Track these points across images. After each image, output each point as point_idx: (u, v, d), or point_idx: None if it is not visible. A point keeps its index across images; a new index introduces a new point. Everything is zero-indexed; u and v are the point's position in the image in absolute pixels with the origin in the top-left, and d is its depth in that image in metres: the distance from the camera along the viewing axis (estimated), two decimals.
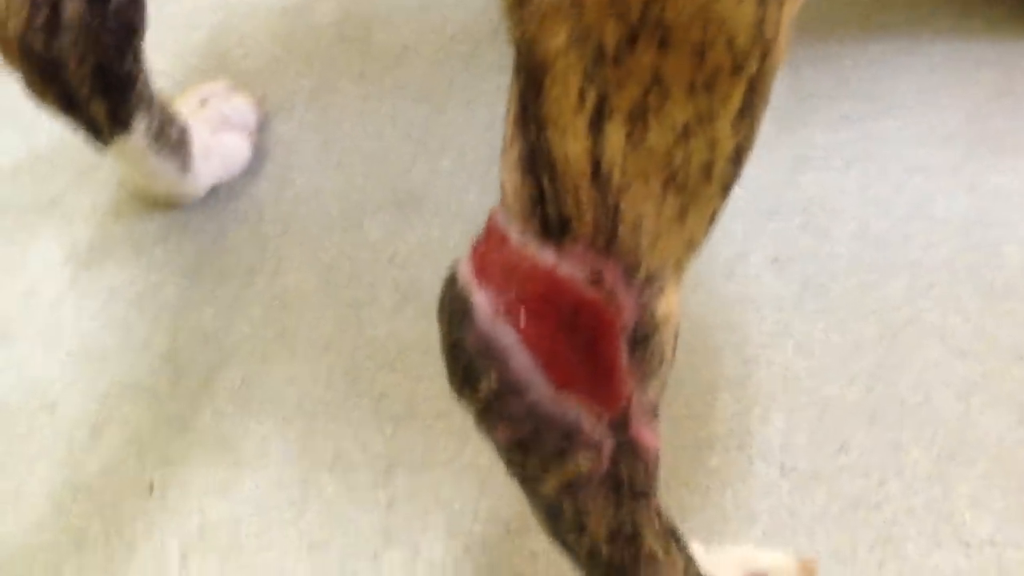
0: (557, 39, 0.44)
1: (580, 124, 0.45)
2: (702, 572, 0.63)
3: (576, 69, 0.44)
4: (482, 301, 0.50)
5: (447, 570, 0.73)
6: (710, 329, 0.82)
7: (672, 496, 0.75)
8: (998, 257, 0.84)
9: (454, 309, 0.51)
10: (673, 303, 0.52)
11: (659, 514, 0.59)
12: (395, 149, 0.95)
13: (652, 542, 0.59)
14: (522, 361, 0.50)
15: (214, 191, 0.93)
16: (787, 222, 0.88)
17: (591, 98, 0.45)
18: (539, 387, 0.51)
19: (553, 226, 0.48)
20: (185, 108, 0.93)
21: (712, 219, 0.51)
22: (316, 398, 0.81)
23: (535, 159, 0.47)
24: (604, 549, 0.58)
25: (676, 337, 0.54)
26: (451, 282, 0.51)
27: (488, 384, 0.51)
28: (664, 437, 0.77)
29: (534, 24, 0.44)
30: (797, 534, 0.73)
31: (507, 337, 0.50)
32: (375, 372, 0.82)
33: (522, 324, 0.49)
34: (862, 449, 0.76)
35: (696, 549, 0.67)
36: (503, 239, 0.50)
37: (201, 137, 0.91)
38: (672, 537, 0.60)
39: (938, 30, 0.98)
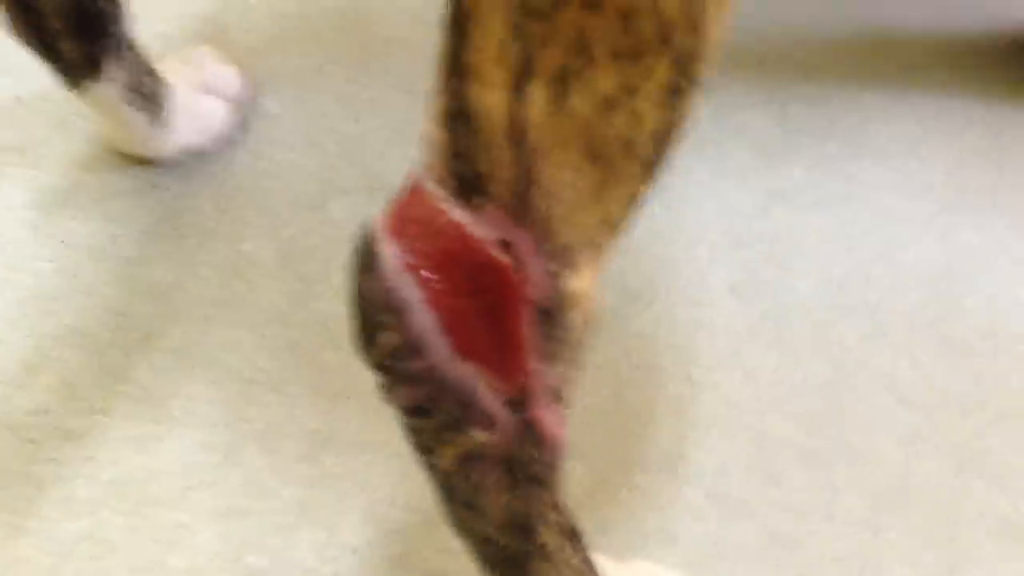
0: None
1: (501, 78, 0.44)
2: None
3: (503, 20, 0.43)
4: (389, 253, 0.49)
5: (359, 553, 0.72)
6: (658, 348, 0.81)
7: (594, 508, 0.73)
8: (959, 311, 0.83)
9: (361, 258, 0.50)
10: (587, 284, 0.51)
11: (559, 510, 0.58)
12: (372, 135, 0.95)
13: (547, 537, 0.57)
14: (423, 318, 0.49)
15: (187, 155, 0.92)
16: (752, 252, 0.87)
17: (515, 52, 0.44)
18: (438, 348, 0.49)
19: (467, 183, 0.47)
20: (169, 67, 0.93)
21: (633, 201, 0.49)
22: (255, 366, 0.80)
23: (456, 112, 0.46)
24: (496, 536, 0.56)
25: (589, 323, 0.53)
26: (363, 232, 0.50)
27: (387, 339, 0.49)
28: (594, 449, 0.76)
29: None
30: (716, 562, 0.71)
31: (410, 291, 0.48)
32: (319, 348, 0.81)
33: (426, 278, 0.48)
34: (795, 486, 0.74)
35: (602, 561, 0.66)
36: (419, 193, 0.49)
37: (180, 97, 0.90)
38: (570, 538, 0.59)
39: (929, 85, 0.98)
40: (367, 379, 0.79)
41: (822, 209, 0.90)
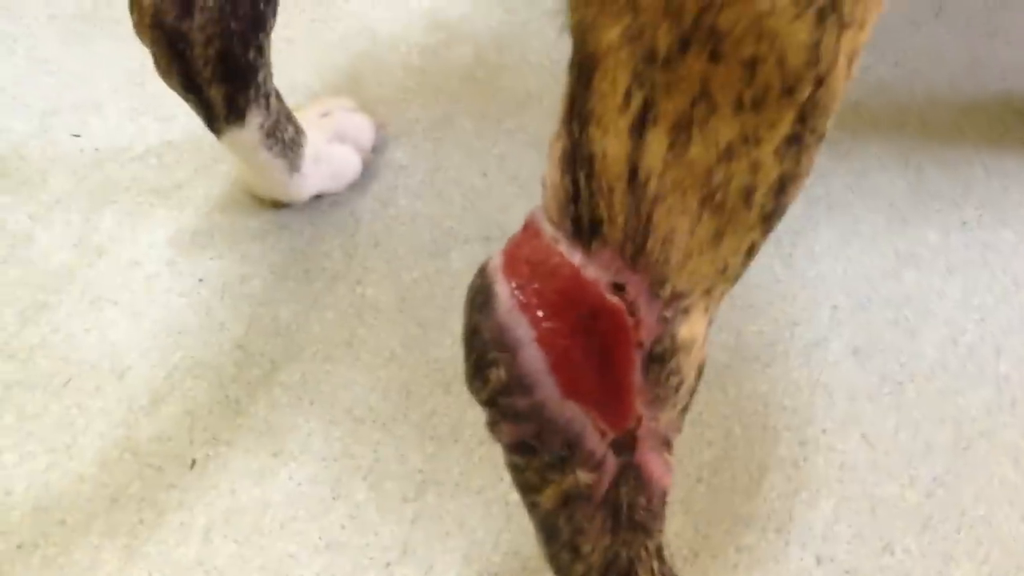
0: (611, 32, 0.44)
1: (623, 125, 0.45)
2: None
3: (626, 67, 0.44)
4: (504, 291, 0.49)
5: None
6: (773, 408, 0.79)
7: (697, 565, 0.72)
8: None
9: (477, 296, 0.51)
10: (698, 331, 0.51)
11: (661, 558, 0.57)
12: (497, 188, 0.96)
13: None
14: (533, 357, 0.49)
15: (318, 199, 0.96)
16: (877, 315, 0.84)
17: (637, 100, 0.44)
18: (546, 387, 0.50)
19: (584, 227, 0.48)
20: (307, 116, 0.96)
21: (749, 252, 0.49)
22: (368, 406, 0.82)
23: (575, 156, 0.47)
24: None
25: (700, 371, 0.53)
26: (481, 271, 0.51)
27: (497, 375, 0.50)
28: (701, 505, 0.75)
29: (592, 11, 0.44)
30: None
31: (522, 330, 0.49)
32: (430, 391, 0.82)
33: (538, 317, 0.49)
34: (909, 553, 0.71)
35: None
36: (536, 234, 0.50)
37: (315, 144, 0.94)
38: None
39: None
40: (474, 423, 0.80)
41: (955, 275, 0.87)
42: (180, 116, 1.03)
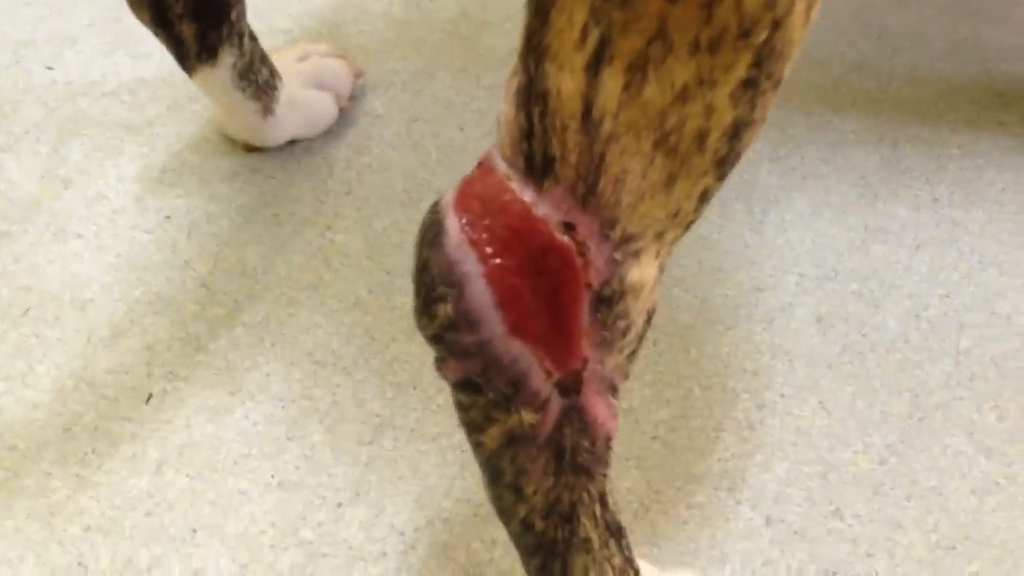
0: None
1: (578, 62, 0.44)
2: None
3: (584, 3, 0.43)
4: (454, 226, 0.49)
5: (406, 537, 0.72)
6: (733, 370, 0.79)
7: (647, 518, 0.72)
8: None
9: (428, 231, 0.50)
10: (648, 276, 0.50)
11: (604, 504, 0.57)
12: (474, 143, 0.96)
13: (589, 529, 0.56)
14: (480, 293, 0.49)
15: (292, 144, 0.95)
16: (843, 286, 0.85)
17: (594, 37, 0.44)
18: (492, 324, 0.49)
19: (537, 164, 0.47)
20: (285, 59, 0.96)
21: (702, 197, 0.49)
22: (329, 349, 0.81)
23: (530, 92, 0.47)
24: (538, 522, 0.56)
25: (649, 317, 0.52)
26: (434, 206, 0.51)
27: (444, 311, 0.50)
28: (655, 460, 0.75)
29: None
30: None
31: (470, 265, 0.49)
32: (392, 338, 0.82)
33: (487, 253, 0.49)
34: (858, 518, 0.72)
35: (646, 567, 0.64)
36: (489, 171, 0.49)
37: (291, 88, 0.93)
38: (614, 534, 0.58)
39: None
40: (433, 372, 0.79)
41: (922, 251, 0.87)
42: (155, 53, 1.02)
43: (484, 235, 0.49)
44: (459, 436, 0.76)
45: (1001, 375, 0.79)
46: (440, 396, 0.79)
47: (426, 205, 0.92)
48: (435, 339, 0.51)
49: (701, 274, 0.85)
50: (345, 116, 0.97)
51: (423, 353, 0.81)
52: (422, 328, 0.52)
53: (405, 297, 0.84)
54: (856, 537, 0.71)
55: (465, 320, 0.49)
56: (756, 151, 0.94)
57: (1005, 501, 0.72)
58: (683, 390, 0.79)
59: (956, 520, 0.71)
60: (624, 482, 0.74)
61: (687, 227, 0.50)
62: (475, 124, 0.98)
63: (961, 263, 0.86)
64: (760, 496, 0.73)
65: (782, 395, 0.78)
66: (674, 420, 0.77)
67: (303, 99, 0.94)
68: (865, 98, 0.99)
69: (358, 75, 1.00)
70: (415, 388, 0.79)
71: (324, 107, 0.96)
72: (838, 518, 0.72)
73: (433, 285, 0.50)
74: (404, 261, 0.87)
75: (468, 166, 0.93)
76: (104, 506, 0.74)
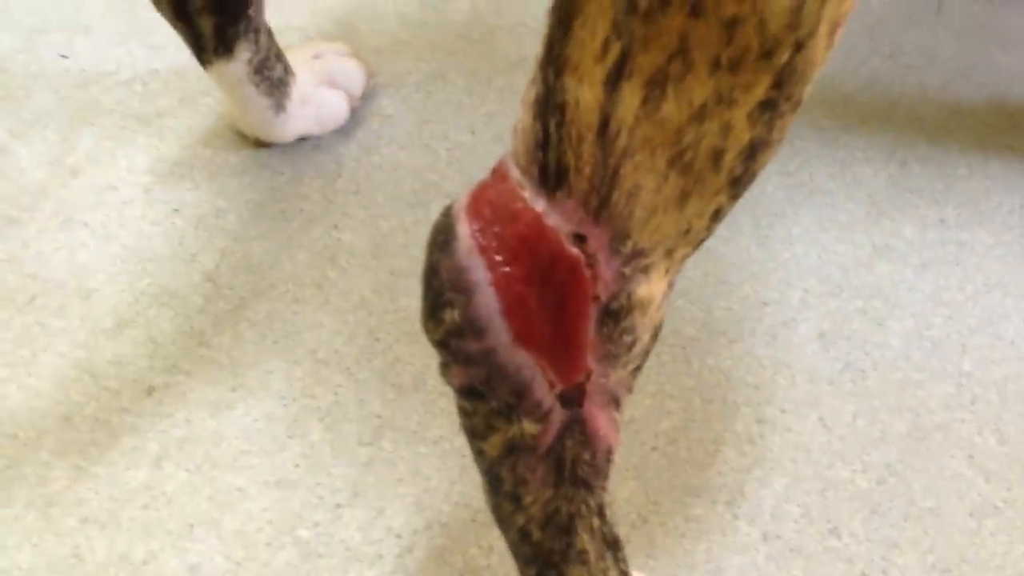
0: None
1: (598, 74, 0.44)
2: None
3: (607, 16, 0.43)
4: (465, 232, 0.49)
5: (403, 540, 0.72)
6: (735, 384, 0.79)
7: (644, 530, 0.72)
8: None
9: (439, 235, 0.50)
10: (657, 292, 0.50)
11: (602, 517, 0.57)
12: (483, 146, 0.96)
13: (586, 542, 0.56)
14: (488, 300, 0.49)
15: (302, 141, 0.95)
16: (847, 303, 0.85)
17: (615, 51, 0.44)
18: (498, 332, 0.49)
19: (550, 175, 0.47)
20: (299, 57, 0.96)
21: (715, 216, 0.49)
22: (332, 348, 0.81)
23: (548, 102, 0.47)
24: (535, 532, 0.56)
25: (655, 333, 0.52)
26: (446, 211, 0.51)
27: (451, 317, 0.50)
28: (654, 472, 0.75)
29: None
30: None
31: (479, 272, 0.49)
32: (396, 339, 0.82)
33: (496, 261, 0.49)
34: (855, 537, 0.72)
35: None
36: (503, 178, 0.49)
37: (304, 86, 0.93)
38: (611, 547, 0.58)
39: None
40: (435, 375, 0.80)
41: (928, 271, 0.87)
42: (168, 45, 1.02)
43: (494, 243, 0.49)
44: (460, 440, 0.77)
45: (1002, 398, 0.79)
46: (442, 399, 0.79)
47: (434, 207, 0.92)
48: (441, 344, 0.51)
49: (706, 286, 0.86)
50: (356, 115, 0.98)
51: (426, 355, 0.81)
52: (428, 332, 0.52)
53: (409, 298, 0.85)
54: (852, 556, 0.71)
55: (471, 327, 0.50)
56: None
57: (1003, 525, 0.72)
58: (684, 402, 0.79)
59: (953, 542, 0.71)
60: (622, 492, 0.74)
61: (697, 245, 0.50)
62: (485, 127, 0.98)
63: (966, 284, 0.86)
64: (758, 511, 0.73)
65: (783, 410, 0.78)
66: (674, 432, 0.77)
67: (315, 97, 0.95)
68: (875, 116, 0.99)
69: (370, 75, 1.00)
70: (417, 390, 0.79)
71: (336, 106, 0.96)
72: (835, 536, 0.72)
73: (441, 290, 0.50)
74: (410, 262, 0.87)
75: (477, 169, 0.94)
76: (102, 498, 0.74)
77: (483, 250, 0.49)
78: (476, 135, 0.97)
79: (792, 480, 0.74)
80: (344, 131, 0.96)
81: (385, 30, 1.06)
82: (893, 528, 0.72)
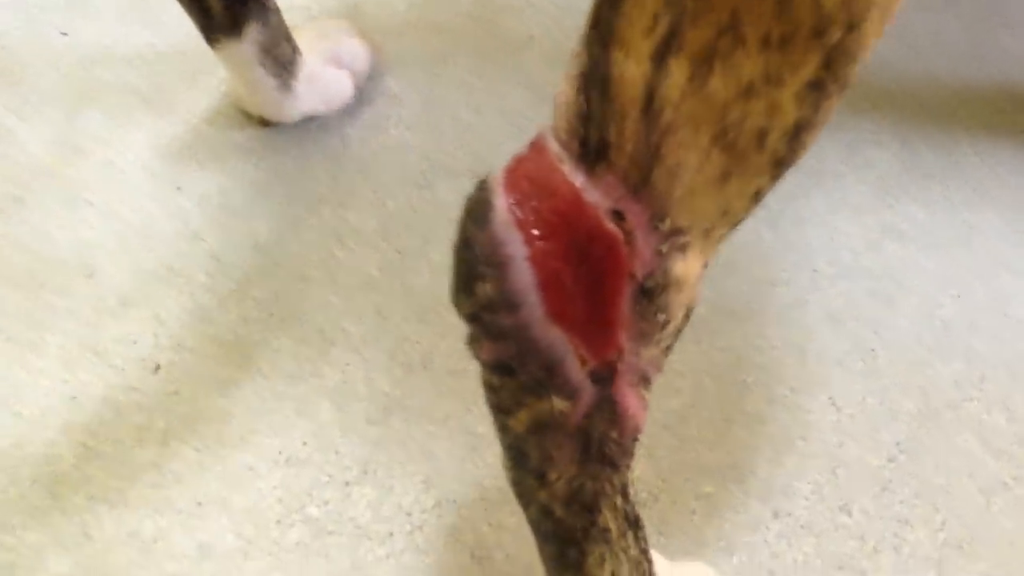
0: None
1: (645, 48, 0.44)
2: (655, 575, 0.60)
3: None
4: (502, 205, 0.48)
5: (413, 518, 0.72)
6: (745, 363, 0.79)
7: (656, 508, 0.72)
8: None
9: (474, 208, 0.49)
10: (692, 271, 0.50)
11: (625, 496, 0.56)
12: (490, 126, 0.95)
13: (609, 520, 0.56)
14: (523, 275, 0.48)
15: (308, 120, 0.95)
16: (856, 284, 0.84)
17: (664, 25, 0.43)
18: (532, 308, 0.49)
19: (592, 149, 0.46)
20: (305, 36, 0.95)
21: (755, 197, 0.48)
22: (339, 328, 0.81)
23: (592, 75, 0.46)
24: (558, 509, 0.55)
25: (688, 313, 0.52)
26: (481, 183, 0.50)
27: (484, 290, 0.49)
28: (665, 451, 0.75)
29: None
30: None
31: (515, 246, 0.48)
32: (404, 317, 0.82)
33: (533, 235, 0.48)
34: (866, 514, 0.72)
35: (657, 558, 0.64)
36: (541, 151, 0.49)
37: (310, 65, 0.93)
38: (632, 525, 0.57)
39: None
40: (446, 353, 0.80)
41: (936, 251, 0.87)
42: (170, 23, 1.01)
43: (531, 217, 0.48)
44: (470, 419, 0.76)
45: (1012, 377, 0.79)
46: (450, 378, 0.78)
47: (441, 186, 0.92)
48: (472, 318, 0.50)
49: (716, 266, 0.85)
50: (361, 95, 0.97)
51: (433, 334, 0.81)
52: (459, 306, 0.51)
53: (417, 277, 0.84)
54: (863, 533, 0.71)
55: (505, 301, 0.49)
56: None
57: (1012, 502, 0.72)
58: (695, 381, 0.78)
59: (963, 519, 0.71)
60: (634, 470, 0.73)
61: (736, 225, 0.49)
62: (491, 107, 0.97)
63: (975, 265, 0.86)
64: (768, 489, 0.73)
65: (792, 389, 0.78)
66: (685, 410, 0.77)
67: (321, 76, 0.94)
68: (884, 99, 0.99)
69: (376, 54, 0.99)
70: (425, 369, 0.79)
71: (341, 85, 0.95)
72: (846, 513, 0.72)
73: (475, 263, 0.49)
74: (416, 241, 0.87)
75: (484, 148, 0.93)
76: (109, 475, 0.74)
77: (520, 224, 0.48)
78: (482, 115, 0.97)
79: (802, 458, 0.74)
80: (349, 111, 0.96)
81: (390, 10, 1.05)
82: (904, 505, 0.72)
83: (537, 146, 0.49)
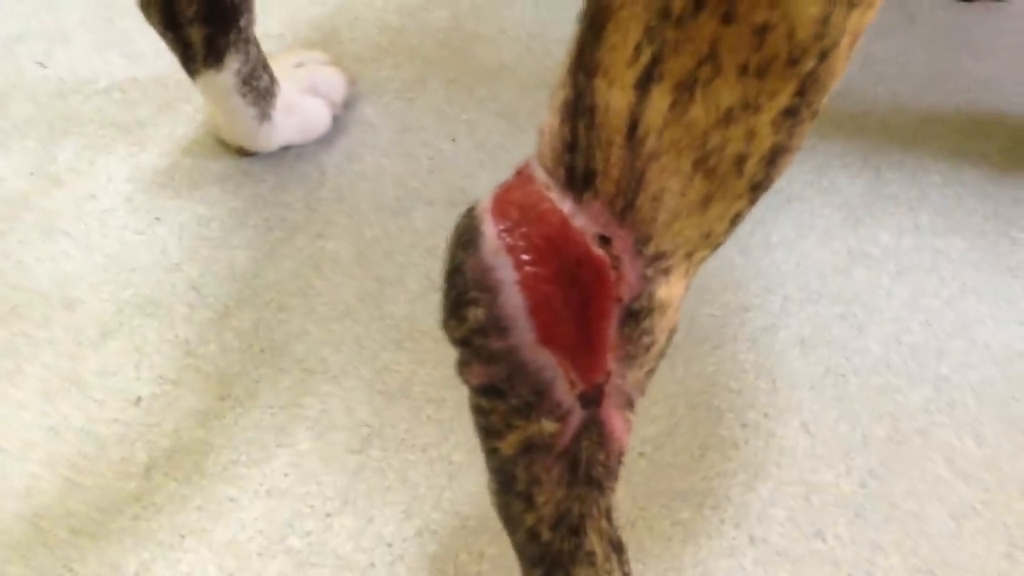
0: None
1: (629, 78, 0.45)
2: None
3: (639, 21, 0.44)
4: (491, 231, 0.50)
5: (394, 548, 0.72)
6: (719, 389, 0.81)
7: (633, 535, 0.73)
8: None
9: (463, 235, 0.51)
10: (675, 294, 0.51)
11: (609, 519, 0.58)
12: (465, 154, 0.96)
13: (595, 543, 0.57)
14: (513, 300, 0.49)
15: (285, 150, 0.95)
16: (826, 309, 0.86)
17: (646, 55, 0.45)
18: (523, 331, 0.50)
19: (577, 177, 0.48)
20: (281, 66, 0.96)
21: (734, 220, 0.50)
22: (319, 357, 0.82)
23: (577, 105, 0.47)
24: (545, 532, 0.56)
25: (671, 336, 0.53)
26: (469, 211, 0.51)
27: (475, 315, 0.50)
28: (641, 477, 0.76)
29: None
30: None
31: (505, 271, 0.49)
32: (382, 346, 0.83)
33: (522, 260, 0.49)
34: (839, 540, 0.73)
35: None
36: (528, 179, 0.50)
37: (287, 95, 0.93)
38: (616, 549, 0.59)
39: None
40: (425, 381, 0.81)
41: (904, 277, 0.89)
42: (147, 53, 1.02)
43: (521, 242, 0.49)
44: (448, 448, 0.77)
45: (979, 402, 0.81)
46: (430, 407, 0.79)
47: (417, 214, 0.93)
48: (462, 342, 0.52)
49: (689, 293, 0.87)
50: (338, 123, 0.98)
51: (412, 362, 0.82)
52: (449, 331, 0.52)
53: (395, 306, 0.85)
54: (837, 559, 0.72)
55: (496, 325, 0.50)
56: None
57: (983, 526, 0.74)
58: (669, 407, 0.80)
59: (935, 544, 0.73)
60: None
61: (715, 248, 0.51)
62: (466, 135, 0.99)
63: (942, 290, 0.88)
64: (744, 515, 0.74)
65: (765, 415, 0.79)
66: (660, 437, 0.78)
67: (299, 106, 0.95)
68: (850, 124, 1.01)
69: (351, 83, 1.00)
70: (405, 398, 0.80)
71: (318, 114, 0.96)
72: (820, 539, 0.73)
73: (465, 288, 0.50)
74: (394, 269, 0.87)
75: (459, 176, 0.95)
76: (92, 509, 0.74)
77: (510, 249, 0.49)
78: (457, 143, 0.98)
79: (777, 484, 0.76)
80: (326, 140, 0.97)
81: (365, 37, 1.06)
82: (876, 531, 0.73)
83: (524, 174, 0.50)
